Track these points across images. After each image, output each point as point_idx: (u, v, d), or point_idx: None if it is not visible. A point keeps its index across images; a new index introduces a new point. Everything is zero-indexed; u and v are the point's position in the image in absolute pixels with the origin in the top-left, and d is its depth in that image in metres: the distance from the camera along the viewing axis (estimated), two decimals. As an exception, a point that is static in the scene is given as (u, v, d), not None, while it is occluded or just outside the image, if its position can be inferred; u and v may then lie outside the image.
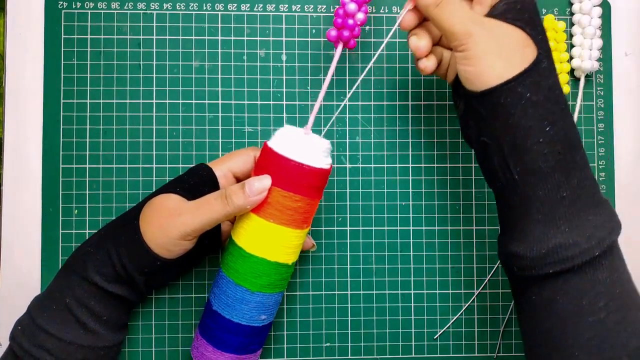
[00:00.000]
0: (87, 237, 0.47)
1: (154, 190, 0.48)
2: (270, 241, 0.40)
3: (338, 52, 0.43)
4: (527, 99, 0.35)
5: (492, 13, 0.37)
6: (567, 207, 0.35)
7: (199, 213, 0.39)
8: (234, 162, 0.43)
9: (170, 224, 0.39)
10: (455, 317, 0.49)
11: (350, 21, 0.43)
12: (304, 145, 0.40)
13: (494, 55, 0.35)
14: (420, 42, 0.40)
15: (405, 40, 0.50)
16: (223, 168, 0.43)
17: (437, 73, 0.43)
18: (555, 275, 0.35)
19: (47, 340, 0.39)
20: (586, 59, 0.48)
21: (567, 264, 0.35)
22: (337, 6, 0.43)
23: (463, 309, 0.49)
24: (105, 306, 0.40)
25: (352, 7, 0.43)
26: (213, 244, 0.45)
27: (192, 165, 0.45)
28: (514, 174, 0.36)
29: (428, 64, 0.41)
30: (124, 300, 0.42)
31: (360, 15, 0.43)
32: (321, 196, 0.42)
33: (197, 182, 0.42)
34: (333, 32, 0.43)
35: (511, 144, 0.36)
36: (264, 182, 0.39)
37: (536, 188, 0.35)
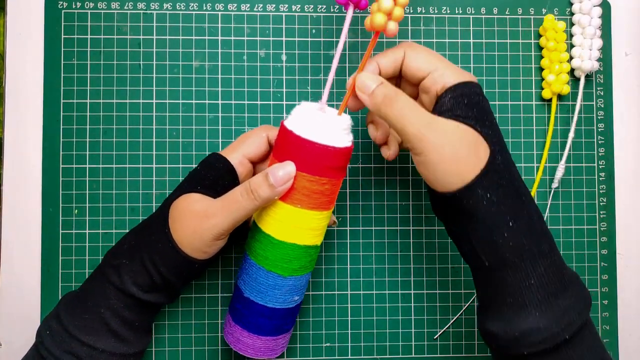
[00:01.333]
0: (87, 237, 0.48)
1: (154, 189, 0.48)
2: (300, 226, 0.39)
3: (349, 15, 0.39)
4: (488, 199, 0.35)
5: (441, 109, 0.37)
6: (536, 293, 0.35)
7: (229, 212, 0.38)
8: (247, 146, 0.42)
9: (202, 228, 0.38)
10: (455, 317, 0.49)
11: None
12: (325, 125, 0.38)
13: (450, 161, 0.35)
14: (377, 132, 0.41)
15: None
16: (238, 155, 0.42)
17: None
18: (532, 355, 0.36)
19: (79, 348, 0.38)
20: (586, 59, 0.48)
21: (540, 347, 0.35)
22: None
23: (463, 309, 0.49)
24: (138, 314, 0.40)
25: None
26: (239, 231, 0.43)
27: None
28: (484, 261, 0.37)
29: (389, 153, 0.42)
30: (158, 306, 0.41)
31: None
32: (345, 174, 0.40)
33: (216, 176, 0.41)
34: None
35: (477, 238, 0.36)
36: (288, 169, 0.37)
37: (505, 275, 0.36)
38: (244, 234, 0.43)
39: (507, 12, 0.50)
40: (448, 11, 0.50)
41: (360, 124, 0.49)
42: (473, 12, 0.50)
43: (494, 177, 0.36)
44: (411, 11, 0.49)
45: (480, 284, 0.38)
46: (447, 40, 0.49)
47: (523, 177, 0.49)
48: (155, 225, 0.40)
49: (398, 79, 0.42)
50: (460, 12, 0.50)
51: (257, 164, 0.43)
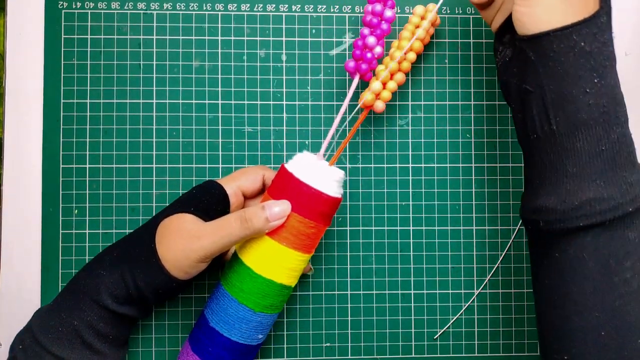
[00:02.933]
0: (87, 237, 0.48)
1: (154, 189, 0.48)
2: (280, 264, 0.40)
3: (354, 83, 0.44)
4: (581, 48, 0.34)
5: None
6: (605, 161, 0.34)
7: (219, 236, 0.39)
8: (244, 180, 0.43)
9: (189, 248, 0.39)
10: (455, 317, 0.49)
11: (369, 54, 0.44)
12: (322, 174, 0.41)
13: None
14: None
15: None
16: (233, 186, 0.43)
17: (485, 15, 0.42)
18: (585, 230, 0.34)
19: None
20: None
21: (599, 218, 0.34)
22: (357, 37, 0.44)
23: (463, 309, 0.49)
24: (113, 327, 0.40)
25: (371, 40, 0.44)
26: (218, 259, 0.44)
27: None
28: (552, 124, 0.35)
29: None
30: (133, 319, 0.42)
31: (378, 49, 0.44)
32: (330, 224, 0.43)
33: (210, 201, 0.42)
34: (351, 64, 0.44)
35: (556, 92, 0.35)
36: (284, 207, 0.39)
37: (574, 140, 0.35)
38: (217, 264, 0.44)
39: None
40: (448, 11, 0.50)
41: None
42: (473, 12, 0.50)
43: (593, 30, 0.35)
44: (411, 11, 0.49)
45: (537, 161, 0.37)
46: (447, 41, 0.49)
47: (522, 177, 0.49)
48: (140, 240, 0.41)
49: None
50: (460, 12, 0.50)
51: (248, 199, 0.44)
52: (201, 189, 0.43)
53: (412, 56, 0.44)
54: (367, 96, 0.44)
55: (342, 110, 0.44)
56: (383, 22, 0.45)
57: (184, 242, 0.39)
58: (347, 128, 0.49)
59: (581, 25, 0.35)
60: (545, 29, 0.35)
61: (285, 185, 0.41)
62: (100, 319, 0.39)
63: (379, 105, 0.44)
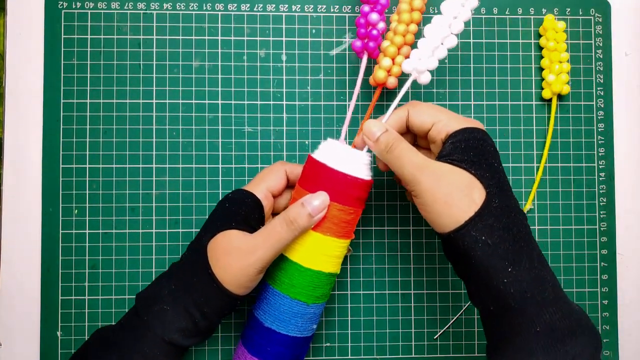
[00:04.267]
0: (87, 237, 0.47)
1: (154, 189, 0.48)
2: (327, 253, 0.41)
3: (364, 62, 0.44)
4: (483, 241, 0.35)
5: (441, 154, 0.39)
6: (542, 339, 0.35)
7: (270, 244, 0.39)
8: (270, 181, 0.43)
9: (246, 264, 0.38)
10: (455, 317, 0.49)
11: (374, 32, 0.43)
12: (353, 159, 0.41)
13: (442, 203, 0.36)
14: (382, 165, 0.43)
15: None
16: (262, 189, 0.42)
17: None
18: None
19: None
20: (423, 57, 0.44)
21: None
22: (358, 15, 0.44)
23: (463, 309, 0.49)
24: (173, 357, 0.40)
25: (374, 17, 0.43)
26: None
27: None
28: (489, 306, 0.36)
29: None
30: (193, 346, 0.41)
31: (381, 25, 0.44)
32: (364, 206, 0.42)
33: (247, 211, 0.41)
34: (358, 43, 0.44)
35: (479, 282, 0.36)
36: (323, 198, 0.40)
37: (511, 321, 0.36)
38: None
39: (507, 12, 0.50)
40: (448, 11, 0.50)
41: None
42: (473, 12, 0.50)
43: (489, 220, 0.36)
44: (411, 11, 0.49)
45: (487, 326, 0.38)
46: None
47: (523, 177, 0.49)
48: (195, 268, 0.40)
49: (414, 135, 0.43)
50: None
51: (276, 197, 0.44)
52: (234, 201, 0.42)
53: (413, 27, 0.44)
54: (379, 74, 0.43)
55: (356, 91, 0.43)
56: None
57: (239, 260, 0.39)
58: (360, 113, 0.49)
59: (474, 220, 0.35)
60: (446, 230, 0.36)
61: (318, 176, 0.40)
62: (163, 353, 0.39)
63: (392, 81, 0.44)
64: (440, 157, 0.38)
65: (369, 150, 0.42)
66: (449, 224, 0.36)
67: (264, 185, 0.42)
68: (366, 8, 0.44)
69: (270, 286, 0.42)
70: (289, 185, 0.44)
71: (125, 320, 0.40)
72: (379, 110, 0.48)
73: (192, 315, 0.39)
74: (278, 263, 0.41)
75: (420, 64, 0.42)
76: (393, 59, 0.43)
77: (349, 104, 0.48)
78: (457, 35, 0.42)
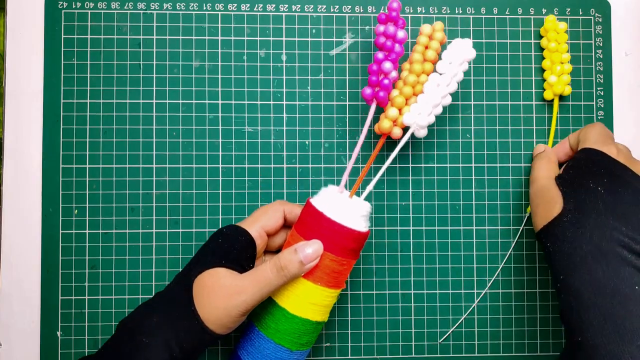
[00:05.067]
0: (87, 237, 0.47)
1: (154, 189, 0.48)
2: (315, 302, 0.40)
3: (372, 110, 0.44)
4: (547, 247, 0.40)
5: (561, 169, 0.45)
6: None
7: (258, 288, 0.39)
8: (266, 220, 0.42)
9: (231, 305, 0.38)
10: (460, 321, 0.49)
11: (386, 81, 0.43)
12: (351, 209, 0.41)
13: (533, 209, 0.43)
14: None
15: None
16: (257, 228, 0.42)
17: None
18: None
19: None
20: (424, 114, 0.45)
21: None
22: (371, 62, 0.44)
23: (467, 312, 0.49)
24: None
25: (388, 66, 0.43)
26: None
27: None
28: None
29: None
30: None
31: (393, 74, 0.43)
32: (359, 256, 0.43)
33: (240, 249, 0.41)
34: (368, 90, 0.44)
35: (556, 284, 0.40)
36: (316, 247, 0.40)
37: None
38: None
39: (507, 12, 0.50)
40: (448, 11, 0.50)
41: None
42: (473, 12, 0.50)
43: (555, 231, 0.40)
44: (411, 11, 0.49)
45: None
46: (447, 40, 0.49)
47: (523, 177, 0.49)
48: (180, 301, 0.40)
49: None
50: (461, 12, 0.50)
51: (271, 236, 0.44)
52: (227, 237, 0.42)
53: (424, 78, 0.44)
54: (384, 124, 0.43)
55: (362, 138, 0.43)
56: (396, 44, 0.43)
57: (224, 300, 0.38)
58: (355, 155, 0.48)
59: (547, 227, 0.41)
60: (535, 229, 0.42)
61: (314, 223, 0.40)
62: None
63: (397, 132, 0.44)
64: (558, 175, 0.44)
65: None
66: (535, 227, 0.43)
67: (260, 224, 0.42)
68: (380, 55, 0.43)
69: (256, 328, 0.42)
70: (286, 224, 0.44)
71: (105, 350, 0.40)
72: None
73: (171, 349, 0.38)
74: (266, 305, 0.41)
75: (421, 119, 0.43)
76: (400, 109, 0.44)
77: (350, 154, 0.48)
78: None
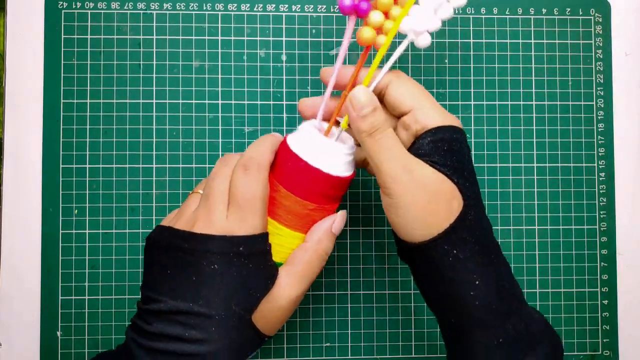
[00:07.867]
0: (87, 237, 0.47)
1: (154, 189, 0.48)
2: (279, 243, 0.37)
3: (351, 24, 0.36)
4: (454, 255, 0.33)
5: (418, 151, 0.35)
6: (504, 350, 0.34)
7: (306, 280, 0.36)
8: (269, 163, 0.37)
9: (284, 314, 0.36)
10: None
11: None
12: (325, 149, 0.35)
13: (420, 210, 0.33)
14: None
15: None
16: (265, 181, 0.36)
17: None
18: None
19: None
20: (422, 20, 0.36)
21: None
22: None
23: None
24: None
25: None
26: None
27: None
28: (450, 318, 0.35)
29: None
30: None
31: None
32: (339, 203, 0.39)
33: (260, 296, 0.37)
34: (348, 2, 0.35)
35: (441, 293, 0.35)
36: (341, 219, 0.37)
37: (473, 331, 0.34)
38: None
39: (507, 12, 0.50)
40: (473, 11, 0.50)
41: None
42: (473, 12, 0.50)
43: (463, 233, 0.34)
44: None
45: (448, 339, 0.37)
46: (447, 41, 0.49)
47: (523, 177, 0.49)
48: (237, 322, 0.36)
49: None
50: (460, 12, 0.50)
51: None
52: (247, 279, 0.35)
53: None
54: (365, 32, 0.35)
55: (341, 55, 0.36)
56: None
57: (279, 314, 0.36)
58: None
59: (449, 234, 0.33)
60: (416, 240, 0.34)
61: (285, 162, 0.36)
62: None
63: (381, 42, 0.36)
64: (418, 156, 0.35)
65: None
66: (421, 234, 0.34)
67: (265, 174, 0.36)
68: None
69: None
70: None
71: None
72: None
73: None
74: None
75: (419, 24, 0.35)
76: (386, 13, 0.35)
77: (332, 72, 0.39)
78: None
